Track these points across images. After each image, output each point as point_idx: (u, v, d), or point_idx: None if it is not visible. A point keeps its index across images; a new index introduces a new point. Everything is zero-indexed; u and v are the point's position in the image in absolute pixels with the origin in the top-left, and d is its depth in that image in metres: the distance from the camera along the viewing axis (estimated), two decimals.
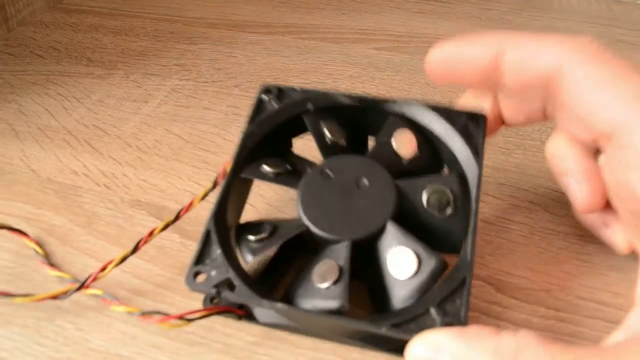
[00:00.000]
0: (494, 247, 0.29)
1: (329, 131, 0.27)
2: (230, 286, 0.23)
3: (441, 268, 0.23)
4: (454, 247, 0.24)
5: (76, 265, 0.29)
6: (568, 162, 0.25)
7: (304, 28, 0.48)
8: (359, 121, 0.28)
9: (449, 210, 0.25)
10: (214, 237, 0.24)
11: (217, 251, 0.23)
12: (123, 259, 0.26)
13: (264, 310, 0.26)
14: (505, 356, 0.18)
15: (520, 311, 0.26)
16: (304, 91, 0.28)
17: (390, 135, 0.27)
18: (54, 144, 0.36)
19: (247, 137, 0.27)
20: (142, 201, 0.32)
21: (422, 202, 0.25)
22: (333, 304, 0.22)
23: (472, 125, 0.26)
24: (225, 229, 0.25)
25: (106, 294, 0.26)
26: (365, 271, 0.25)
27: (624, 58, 0.22)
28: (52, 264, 0.28)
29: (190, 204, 0.28)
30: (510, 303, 0.27)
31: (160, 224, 0.27)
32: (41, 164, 0.35)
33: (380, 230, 0.24)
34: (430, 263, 0.23)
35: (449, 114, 0.27)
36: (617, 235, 0.26)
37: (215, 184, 0.27)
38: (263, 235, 0.25)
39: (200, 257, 0.23)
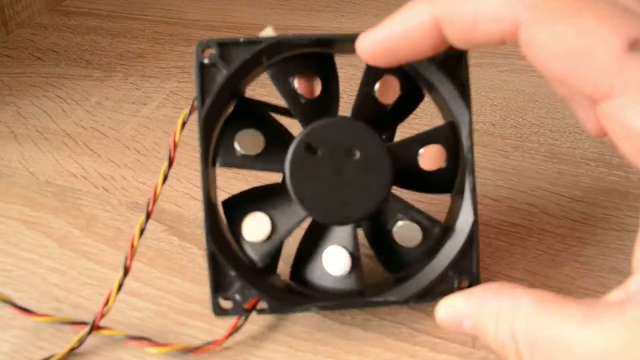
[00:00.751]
0: (492, 250, 0.29)
1: (301, 85, 0.24)
2: (261, 306, 0.24)
3: (444, 234, 0.25)
4: (450, 189, 0.26)
5: (75, 268, 0.28)
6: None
7: (303, 30, 0.48)
8: (330, 69, 0.25)
9: (443, 165, 0.25)
10: (220, 259, 0.23)
11: (230, 273, 0.23)
12: (120, 286, 0.25)
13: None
14: (505, 321, 0.20)
15: None
16: (250, 42, 0.23)
17: (372, 83, 0.25)
18: (52, 146, 0.36)
19: (205, 124, 0.24)
20: (141, 203, 0.32)
21: (417, 163, 0.25)
22: (352, 288, 0.24)
23: (451, 61, 0.24)
24: (225, 241, 0.24)
25: (129, 336, 0.24)
26: (371, 237, 0.26)
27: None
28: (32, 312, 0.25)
29: (155, 195, 0.25)
30: None
31: (137, 227, 0.25)
32: (39, 166, 0.35)
33: (381, 204, 0.24)
34: (435, 231, 0.25)
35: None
36: (588, 115, 0.23)
37: (170, 162, 0.25)
38: (262, 236, 0.24)
39: (217, 285, 0.23)
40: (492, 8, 0.19)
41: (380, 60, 0.23)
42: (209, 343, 0.24)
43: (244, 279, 0.23)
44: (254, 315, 0.26)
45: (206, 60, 0.23)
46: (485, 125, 0.38)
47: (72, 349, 0.24)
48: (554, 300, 0.19)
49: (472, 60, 0.46)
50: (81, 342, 0.24)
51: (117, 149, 0.36)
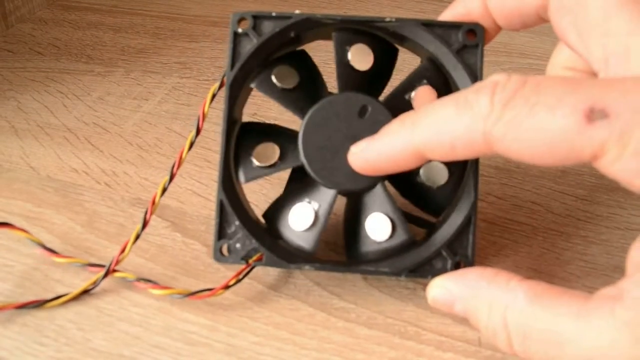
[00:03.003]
0: (497, 248, 0.29)
1: (277, 74, 0.26)
2: (259, 256, 0.25)
3: (410, 242, 0.25)
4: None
5: (77, 263, 0.28)
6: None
7: None
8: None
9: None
10: (228, 207, 0.25)
11: (235, 222, 0.25)
12: (137, 237, 0.27)
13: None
14: (498, 309, 0.21)
15: None
16: (282, 17, 0.26)
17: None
18: (53, 141, 0.36)
19: (231, 86, 0.26)
20: (143, 199, 0.32)
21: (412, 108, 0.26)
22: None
23: (470, 43, 0.25)
24: (235, 193, 0.26)
25: (139, 278, 0.27)
26: (404, 191, 0.26)
27: None
28: (56, 253, 0.28)
29: (153, 201, 0.27)
30: None
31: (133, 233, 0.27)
32: (41, 161, 0.35)
33: (368, 188, 0.25)
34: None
35: (444, 31, 0.26)
36: None
37: (172, 175, 0.27)
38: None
39: (221, 231, 0.25)
40: None
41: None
42: (207, 290, 0.25)
43: (247, 230, 0.25)
44: (259, 313, 0.26)
45: (240, 30, 0.26)
46: None
47: (87, 290, 0.26)
48: (549, 293, 0.20)
49: None
50: (96, 284, 0.26)
51: (119, 145, 0.36)
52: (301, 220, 0.25)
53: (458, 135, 0.20)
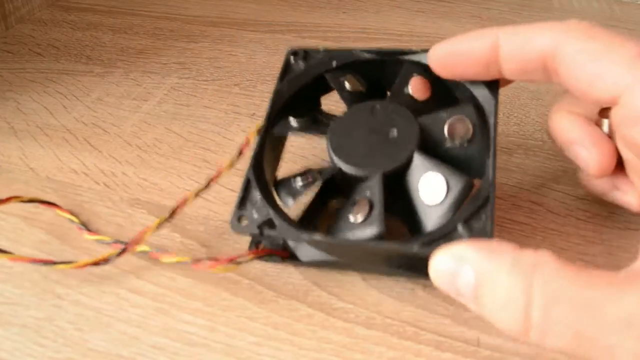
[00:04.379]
0: None
1: (349, 82, 0.30)
2: (271, 225, 0.25)
3: (468, 188, 0.25)
4: (476, 172, 0.26)
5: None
6: (573, 132, 0.26)
7: (304, 27, 0.48)
8: (379, 74, 0.30)
9: (469, 139, 0.26)
10: (253, 183, 0.26)
11: (257, 196, 0.26)
12: (160, 223, 0.27)
13: (305, 249, 0.27)
14: (522, 271, 0.19)
15: None
16: (328, 51, 0.31)
17: (405, 82, 0.29)
18: (53, 142, 0.36)
19: (276, 95, 0.30)
20: (142, 200, 0.32)
21: (444, 134, 0.27)
22: (371, 231, 0.24)
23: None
24: (263, 177, 0.27)
25: (153, 248, 0.28)
26: (398, 205, 0.26)
27: (614, 31, 0.23)
28: (89, 230, 0.30)
29: (185, 201, 0.28)
30: None
31: (156, 221, 0.27)
32: (40, 162, 0.35)
33: (408, 162, 0.26)
34: (458, 185, 0.25)
35: None
36: (630, 195, 0.27)
37: (209, 182, 0.29)
38: (309, 179, 0.27)
39: (242, 202, 0.26)
40: (545, 40, 0.24)
41: (442, 71, 0.27)
42: (212, 259, 0.26)
43: (266, 200, 0.26)
44: (258, 313, 0.26)
45: (292, 60, 0.31)
46: None
47: (96, 263, 0.27)
48: (578, 265, 0.20)
49: None
50: (108, 260, 0.27)
51: (118, 145, 0.36)
52: (360, 213, 0.25)
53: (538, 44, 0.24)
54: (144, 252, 0.27)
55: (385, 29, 0.48)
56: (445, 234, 0.23)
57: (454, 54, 0.27)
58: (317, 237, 0.25)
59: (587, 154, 0.26)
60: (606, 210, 0.31)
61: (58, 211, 0.30)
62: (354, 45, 0.46)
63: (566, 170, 0.34)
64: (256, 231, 0.25)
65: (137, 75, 0.42)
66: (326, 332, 0.25)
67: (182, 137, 0.36)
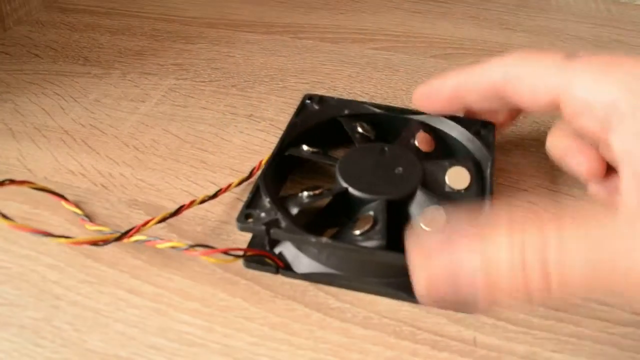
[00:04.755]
0: None
1: (361, 127, 0.32)
2: (278, 225, 0.25)
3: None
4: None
5: (74, 265, 0.28)
6: (562, 146, 0.29)
7: (301, 28, 0.48)
8: (387, 127, 0.33)
9: (466, 187, 0.29)
10: (263, 190, 0.27)
11: (265, 200, 0.27)
12: (164, 218, 0.28)
13: (302, 260, 0.27)
14: (535, 250, 0.20)
15: (519, 311, 0.26)
16: (341, 100, 0.34)
17: (412, 135, 0.32)
18: (50, 143, 0.36)
19: (291, 126, 0.32)
20: (140, 201, 0.32)
21: (444, 180, 0.29)
22: (374, 243, 0.25)
23: (484, 131, 0.32)
24: (272, 186, 0.28)
25: (149, 236, 0.27)
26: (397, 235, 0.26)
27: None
28: (92, 221, 0.30)
29: (191, 203, 0.30)
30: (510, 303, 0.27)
31: (159, 215, 0.28)
32: (38, 163, 0.35)
33: (411, 195, 0.28)
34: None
35: (464, 123, 0.32)
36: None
37: (216, 194, 0.31)
38: (316, 192, 0.28)
39: (251, 203, 0.27)
40: (495, 73, 0.28)
41: (423, 108, 0.32)
42: (208, 247, 0.26)
43: (274, 204, 0.26)
44: (255, 314, 0.26)
45: (308, 102, 0.34)
46: None
47: (95, 242, 0.27)
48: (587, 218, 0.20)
49: (472, 58, 0.46)
50: (105, 242, 0.27)
51: (116, 146, 0.36)
52: (363, 227, 0.26)
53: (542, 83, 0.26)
54: (140, 242, 0.27)
55: (383, 30, 0.48)
56: None
57: (428, 94, 0.31)
58: (326, 240, 0.25)
59: (576, 162, 0.28)
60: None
61: (64, 203, 0.31)
62: (352, 46, 0.46)
63: (563, 171, 0.34)
64: (262, 228, 0.25)
65: (134, 76, 0.42)
66: (323, 332, 0.25)
67: (180, 138, 0.36)
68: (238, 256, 0.27)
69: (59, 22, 0.49)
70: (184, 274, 0.28)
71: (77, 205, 0.31)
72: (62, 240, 0.27)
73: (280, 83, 0.42)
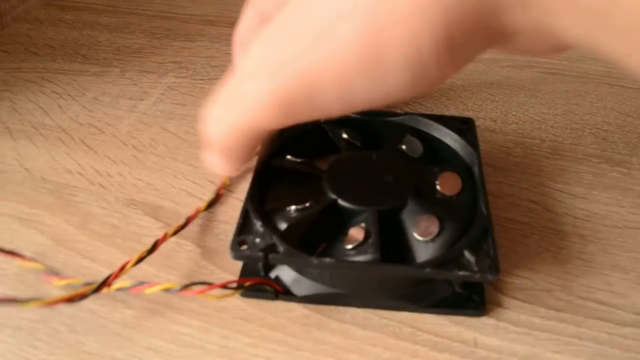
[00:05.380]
0: None
1: (346, 133, 0.31)
2: (274, 250, 0.24)
3: (461, 230, 0.26)
4: (464, 220, 0.27)
5: (71, 266, 0.28)
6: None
7: None
8: (371, 132, 0.32)
9: (458, 192, 0.28)
10: (252, 214, 0.26)
11: (257, 224, 0.25)
12: (140, 259, 0.26)
13: (301, 283, 0.26)
14: None
15: (520, 312, 0.26)
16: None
17: (399, 140, 0.31)
18: (48, 142, 0.36)
19: (270, 139, 0.30)
20: (137, 200, 0.32)
21: (435, 186, 0.28)
22: (367, 257, 0.25)
23: (464, 127, 0.31)
24: (261, 207, 0.27)
25: (135, 281, 0.25)
26: (387, 243, 0.26)
27: None
28: (56, 274, 0.27)
29: (197, 212, 0.30)
30: (510, 304, 0.26)
31: (135, 256, 0.26)
32: (35, 162, 0.34)
33: (403, 204, 0.27)
34: (452, 225, 0.26)
35: (442, 120, 0.32)
36: None
37: (217, 195, 0.31)
38: (304, 205, 0.27)
39: (242, 229, 0.25)
40: None
41: None
42: (204, 284, 0.25)
43: (267, 228, 0.25)
44: (253, 314, 0.26)
45: None
46: (487, 122, 0.37)
47: (71, 299, 0.24)
48: None
49: None
50: (83, 297, 0.25)
51: (114, 145, 0.36)
52: (355, 241, 0.26)
53: None
54: (123, 289, 0.25)
55: None
56: (453, 258, 0.24)
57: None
58: (329, 260, 0.24)
59: None
60: (604, 209, 0.31)
61: (20, 261, 0.28)
62: None
63: (564, 169, 0.34)
64: (259, 255, 0.24)
65: (133, 74, 0.42)
66: (322, 333, 0.25)
67: (178, 137, 0.36)
68: (236, 289, 0.26)
69: (57, 20, 0.49)
70: (181, 274, 0.28)
71: (35, 261, 0.28)
72: (33, 304, 0.24)
73: None
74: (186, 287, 0.25)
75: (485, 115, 0.38)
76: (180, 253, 0.29)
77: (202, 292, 0.25)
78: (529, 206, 0.31)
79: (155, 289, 0.25)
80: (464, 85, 0.41)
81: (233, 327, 0.25)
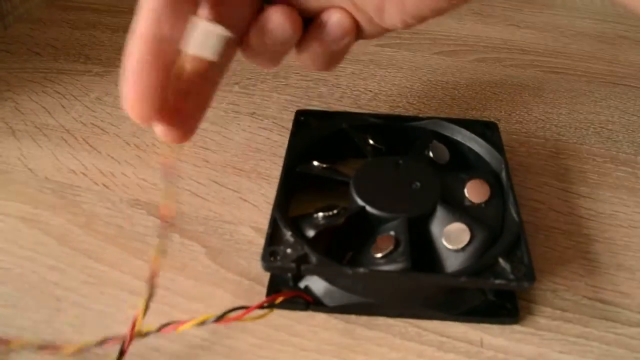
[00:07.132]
0: None
1: (372, 138, 0.31)
2: (307, 261, 0.24)
3: (490, 238, 0.26)
4: (492, 228, 0.26)
5: (75, 266, 0.28)
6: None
7: None
8: (394, 138, 0.32)
9: (486, 200, 0.28)
10: (281, 223, 0.26)
11: (287, 233, 0.25)
12: (146, 308, 0.24)
13: (332, 294, 0.26)
14: None
15: (526, 312, 0.26)
16: (339, 113, 0.33)
17: (425, 145, 0.31)
18: (51, 142, 0.36)
19: (292, 145, 0.31)
20: (142, 200, 0.32)
21: (464, 193, 0.28)
22: (398, 266, 0.24)
23: (487, 131, 0.31)
24: (288, 215, 0.27)
25: (165, 322, 0.24)
26: (415, 251, 0.26)
27: None
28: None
29: (133, 326, 0.24)
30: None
31: (142, 304, 0.23)
32: (38, 163, 0.34)
33: (432, 211, 0.27)
34: (482, 233, 0.26)
35: (466, 124, 0.32)
36: None
37: (150, 295, 0.24)
38: (332, 212, 0.27)
39: (272, 239, 0.25)
40: None
41: None
42: (241, 308, 0.24)
43: (297, 238, 0.25)
44: (257, 315, 0.26)
45: (302, 118, 0.33)
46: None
47: None
48: None
49: (476, 55, 0.45)
50: None
51: (117, 145, 0.36)
52: (384, 249, 0.25)
53: None
54: (152, 332, 0.23)
55: None
56: (488, 266, 0.24)
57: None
58: (363, 270, 0.24)
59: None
60: (610, 209, 0.31)
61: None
62: (355, 43, 0.45)
63: (569, 169, 0.34)
64: (291, 266, 0.24)
65: None
66: (328, 334, 0.25)
67: None
68: (273, 306, 0.25)
69: (59, 20, 0.49)
70: (186, 275, 0.28)
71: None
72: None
73: (283, 81, 0.41)
74: (222, 316, 0.24)
75: (489, 115, 0.38)
76: (185, 254, 0.29)
77: (239, 317, 0.24)
78: (534, 206, 0.31)
79: (188, 325, 0.24)
80: (467, 85, 0.41)
81: (239, 328, 0.25)
